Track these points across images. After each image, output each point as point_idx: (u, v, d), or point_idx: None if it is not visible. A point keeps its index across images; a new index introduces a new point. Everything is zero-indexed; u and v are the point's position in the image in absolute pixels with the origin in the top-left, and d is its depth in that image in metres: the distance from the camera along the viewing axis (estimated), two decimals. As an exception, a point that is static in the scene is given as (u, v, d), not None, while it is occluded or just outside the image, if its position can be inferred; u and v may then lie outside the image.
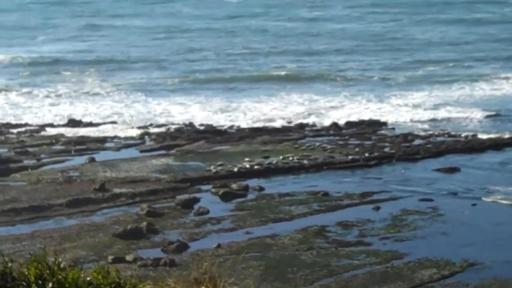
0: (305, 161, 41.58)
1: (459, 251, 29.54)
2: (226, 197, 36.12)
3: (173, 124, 50.84)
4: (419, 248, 30.03)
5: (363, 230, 31.94)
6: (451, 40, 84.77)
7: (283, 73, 67.69)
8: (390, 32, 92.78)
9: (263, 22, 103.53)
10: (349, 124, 50.27)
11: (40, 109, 56.30)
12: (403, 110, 54.30)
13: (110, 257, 28.26)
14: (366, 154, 42.79)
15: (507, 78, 64.03)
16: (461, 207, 34.84)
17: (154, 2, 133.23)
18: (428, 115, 52.72)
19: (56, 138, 47.36)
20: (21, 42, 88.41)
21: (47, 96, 59.96)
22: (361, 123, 50.39)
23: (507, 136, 46.62)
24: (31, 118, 52.88)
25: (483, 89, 61.12)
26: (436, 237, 31.39)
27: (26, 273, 9.98)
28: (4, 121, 51.88)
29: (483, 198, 35.75)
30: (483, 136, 46.79)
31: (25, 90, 62.15)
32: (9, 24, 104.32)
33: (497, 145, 44.95)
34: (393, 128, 49.18)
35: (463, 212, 34.24)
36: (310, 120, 51.69)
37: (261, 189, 37.30)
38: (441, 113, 53.03)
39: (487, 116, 51.65)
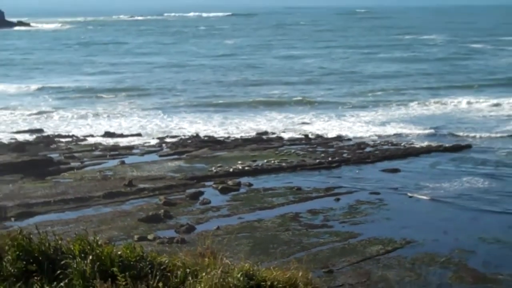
0: (283, 164, 41.56)
1: (399, 232, 29.49)
2: (223, 191, 36.04)
3: (184, 135, 50.71)
4: (369, 230, 29.96)
5: (327, 216, 31.85)
6: (392, 74, 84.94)
7: (266, 98, 67.70)
8: (347, 67, 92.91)
9: (252, 59, 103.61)
10: (316, 136, 50.32)
11: (83, 124, 56.20)
12: (357, 126, 54.29)
13: (136, 236, 28.21)
14: (329, 159, 42.78)
15: (434, 102, 64.22)
16: (400, 199, 34.84)
17: (170, 43, 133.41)
18: (376, 129, 52.72)
19: (95, 146, 47.29)
20: (69, 73, 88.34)
21: (88, 114, 59.85)
22: (325, 136, 50.52)
23: (435, 144, 46.72)
24: (76, 131, 52.76)
25: (415, 110, 61.25)
26: (382, 221, 31.35)
27: (72, 248, 9.88)
28: (56, 133, 51.74)
29: (417, 192, 35.77)
30: (417, 145, 46.89)
31: (72, 109, 62.06)
32: (61, 60, 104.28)
33: (427, 151, 45.03)
34: (350, 139, 49.12)
35: (402, 203, 34.21)
36: (287, 133, 51.69)
37: (250, 185, 37.22)
38: (386, 128, 53.05)
39: (420, 130, 51.72)
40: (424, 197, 34.91)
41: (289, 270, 9.69)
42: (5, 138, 50.02)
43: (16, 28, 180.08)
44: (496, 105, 62.65)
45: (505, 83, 75.30)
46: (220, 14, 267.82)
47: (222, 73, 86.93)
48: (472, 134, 49.78)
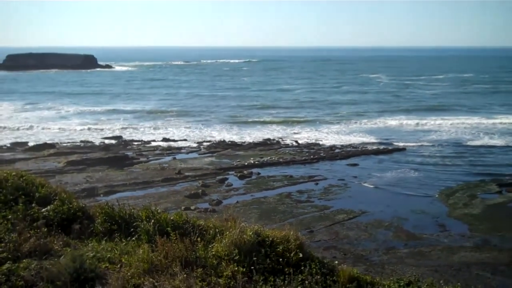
0: (281, 160, 41.51)
1: (357, 205, 29.48)
2: (241, 177, 36.03)
3: (214, 140, 50.65)
4: (337, 204, 29.95)
5: (310, 195, 31.86)
6: (352, 101, 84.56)
7: (269, 117, 67.65)
8: (322, 96, 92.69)
9: (259, 91, 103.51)
10: (303, 142, 50.22)
11: (148, 132, 56.25)
12: (330, 135, 54.17)
13: (182, 207, 28.26)
14: (312, 156, 42.72)
15: (380, 120, 64.09)
16: (358, 184, 34.80)
17: (205, 80, 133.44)
18: (342, 137, 52.58)
19: (157, 147, 47.25)
20: (138, 100, 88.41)
21: (151, 126, 59.94)
22: (308, 141, 50.40)
23: (381, 147, 46.62)
24: (144, 137, 52.75)
25: (367, 125, 61.03)
26: (346, 199, 31.31)
27: (141, 214, 9.86)
28: (130, 138, 51.78)
29: (368, 180, 35.67)
30: (369, 148, 46.72)
31: (141, 123, 62.21)
32: (133, 91, 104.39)
33: (376, 152, 44.87)
34: (324, 144, 48.99)
35: (359, 187, 34.17)
36: (283, 139, 51.58)
37: (259, 173, 37.17)
38: (349, 137, 52.89)
39: (371, 138, 51.56)
40: (374, 183, 34.90)
41: (284, 230, 9.64)
42: (97, 141, 50.19)
43: (104, 69, 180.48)
44: (421, 123, 62.49)
45: (427, 108, 74.95)
46: (240, 60, 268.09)
47: (240, 100, 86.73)
48: (405, 143, 49.58)
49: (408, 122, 62.61)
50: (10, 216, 9.32)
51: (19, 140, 50.26)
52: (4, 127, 58.15)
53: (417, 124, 61.54)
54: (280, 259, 8.72)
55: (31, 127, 58.60)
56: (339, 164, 41.04)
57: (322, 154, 43.82)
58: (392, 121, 63.18)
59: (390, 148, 46.67)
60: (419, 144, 48.92)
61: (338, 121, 63.57)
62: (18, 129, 57.59)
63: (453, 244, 23.76)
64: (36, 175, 22.15)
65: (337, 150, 45.78)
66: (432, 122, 62.36)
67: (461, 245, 23.56)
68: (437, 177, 36.71)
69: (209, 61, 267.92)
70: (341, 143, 49.20)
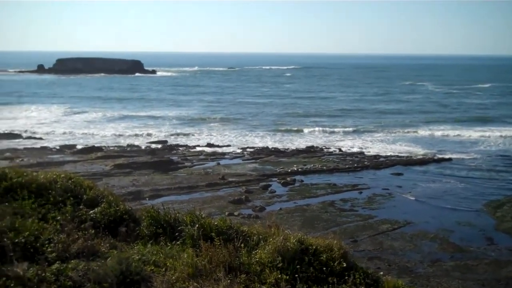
0: (324, 167, 41.26)
1: (402, 216, 29.03)
2: (284, 184, 35.97)
3: (258, 147, 50.74)
4: (382, 214, 29.57)
5: (353, 203, 31.55)
6: (396, 110, 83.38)
7: (312, 125, 67.42)
8: (367, 105, 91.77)
9: (302, 98, 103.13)
10: (347, 149, 49.84)
11: (194, 138, 56.76)
12: (374, 143, 53.58)
13: (226, 213, 28.37)
14: (355, 165, 42.30)
15: (426, 130, 62.96)
16: (402, 194, 34.24)
17: (249, 86, 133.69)
18: (386, 146, 51.97)
19: (201, 152, 47.61)
20: (183, 106, 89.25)
21: (196, 132, 60.49)
22: (352, 149, 49.98)
23: (426, 157, 45.79)
24: (189, 142, 53.28)
25: (413, 135, 60.12)
26: (390, 208, 30.88)
27: (185, 219, 9.91)
28: (175, 143, 52.35)
29: (413, 189, 35.09)
30: (414, 157, 45.96)
31: (185, 128, 62.85)
32: (175, 97, 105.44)
33: (421, 162, 44.10)
34: (368, 152, 48.46)
35: (404, 196, 33.61)
36: (327, 147, 51.25)
37: (302, 181, 37.04)
38: (393, 145, 52.20)
39: (416, 148, 50.79)
40: (418, 193, 34.27)
41: (327, 239, 9.52)
42: (143, 145, 50.95)
43: (150, 74, 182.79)
44: (468, 133, 61.12)
45: (475, 119, 73.28)
46: (283, 67, 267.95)
47: (283, 107, 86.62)
48: (451, 154, 48.54)
49: (455, 132, 61.25)
50: (59, 217, 9.50)
51: (67, 143, 51.53)
52: (53, 131, 59.67)
53: (464, 134, 60.17)
54: (324, 268, 8.60)
55: (79, 131, 59.96)
56: (383, 173, 40.47)
57: (366, 163, 43.31)
58: (438, 131, 61.94)
59: (435, 158, 45.75)
60: (466, 155, 47.81)
61: (383, 130, 62.76)
62: (66, 132, 59.01)
63: (501, 258, 23.07)
64: (84, 177, 22.56)
65: (381, 159, 45.17)
66: (479, 133, 60.81)
67: (509, 259, 22.84)
68: (484, 189, 35.77)
69: (252, 67, 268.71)
70: (386, 152, 48.55)
